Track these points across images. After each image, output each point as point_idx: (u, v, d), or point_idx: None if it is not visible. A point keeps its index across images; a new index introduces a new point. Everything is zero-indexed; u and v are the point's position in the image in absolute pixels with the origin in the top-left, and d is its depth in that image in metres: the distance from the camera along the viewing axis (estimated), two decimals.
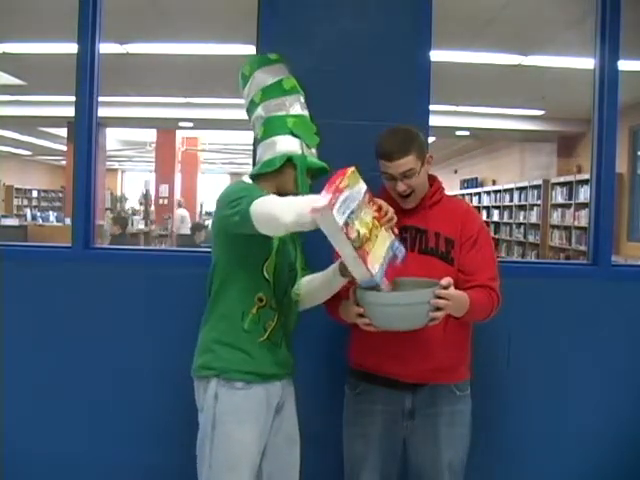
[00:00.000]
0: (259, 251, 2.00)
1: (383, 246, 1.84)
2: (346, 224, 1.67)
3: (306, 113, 2.16)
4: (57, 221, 12.49)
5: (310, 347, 2.57)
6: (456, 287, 1.89)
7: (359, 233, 1.71)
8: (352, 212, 1.72)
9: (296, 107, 2.13)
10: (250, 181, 2.09)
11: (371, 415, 2.09)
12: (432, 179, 2.15)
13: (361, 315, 1.87)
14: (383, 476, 2.10)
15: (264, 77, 2.14)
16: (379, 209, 1.88)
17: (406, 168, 1.99)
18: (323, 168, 2.11)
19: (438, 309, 1.82)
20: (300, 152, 2.05)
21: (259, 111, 2.13)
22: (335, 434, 2.21)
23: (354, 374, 2.16)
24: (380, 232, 1.84)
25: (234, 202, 1.89)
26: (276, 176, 2.05)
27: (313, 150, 2.12)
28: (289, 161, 2.03)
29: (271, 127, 2.09)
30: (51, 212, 14.41)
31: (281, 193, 2.02)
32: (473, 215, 2.21)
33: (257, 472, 2.03)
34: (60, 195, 18.24)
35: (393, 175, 2.01)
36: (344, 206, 1.69)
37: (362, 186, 1.83)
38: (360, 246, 1.71)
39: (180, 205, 12.63)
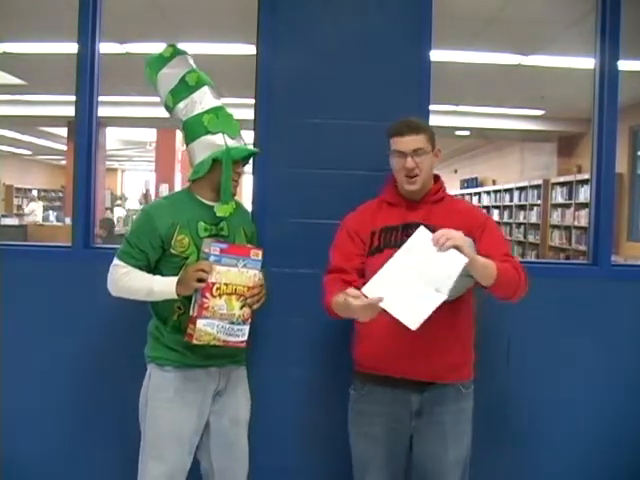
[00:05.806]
0: (171, 266, 2.10)
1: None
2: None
3: (218, 102, 2.16)
4: (57, 221, 12.45)
5: (315, 350, 2.58)
6: None
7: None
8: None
9: (207, 100, 2.14)
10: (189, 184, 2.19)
11: (377, 416, 2.10)
12: (435, 177, 2.19)
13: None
14: (390, 475, 2.10)
15: (168, 78, 2.16)
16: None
17: (416, 145, 2.05)
18: (252, 152, 2.18)
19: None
20: (223, 147, 2.08)
21: (176, 116, 2.17)
22: (342, 435, 2.22)
23: (359, 376, 2.16)
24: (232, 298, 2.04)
25: (122, 242, 2.14)
26: (209, 177, 2.12)
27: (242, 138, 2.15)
28: (216, 160, 2.08)
29: (190, 131, 2.13)
30: (51, 212, 14.38)
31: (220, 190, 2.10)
32: (476, 210, 2.30)
33: (206, 453, 2.18)
34: (60, 195, 18.21)
35: (403, 152, 2.05)
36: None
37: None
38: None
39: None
